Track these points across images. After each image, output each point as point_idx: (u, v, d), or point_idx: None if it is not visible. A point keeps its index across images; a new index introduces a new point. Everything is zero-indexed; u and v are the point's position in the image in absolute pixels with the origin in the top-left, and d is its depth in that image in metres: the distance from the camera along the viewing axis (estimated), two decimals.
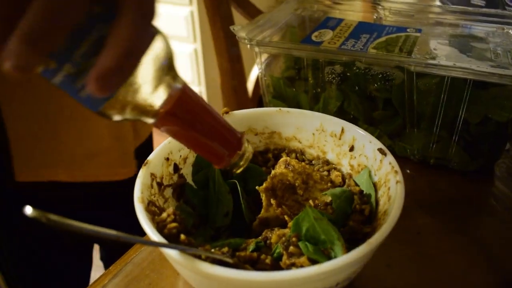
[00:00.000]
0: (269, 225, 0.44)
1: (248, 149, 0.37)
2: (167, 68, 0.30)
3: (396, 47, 0.56)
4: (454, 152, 0.56)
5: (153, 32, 0.28)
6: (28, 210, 0.24)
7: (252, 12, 0.88)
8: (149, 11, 0.26)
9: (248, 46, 0.57)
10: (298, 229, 0.37)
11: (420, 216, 0.52)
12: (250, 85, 0.95)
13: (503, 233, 0.49)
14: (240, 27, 0.59)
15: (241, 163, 0.37)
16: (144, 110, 0.30)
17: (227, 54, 0.84)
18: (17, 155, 0.58)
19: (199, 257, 0.33)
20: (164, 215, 0.36)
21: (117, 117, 0.30)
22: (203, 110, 0.33)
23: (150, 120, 0.31)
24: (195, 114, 0.32)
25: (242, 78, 0.90)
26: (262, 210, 0.43)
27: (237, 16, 0.94)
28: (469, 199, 0.54)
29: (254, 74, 0.98)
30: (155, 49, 0.29)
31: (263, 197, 0.43)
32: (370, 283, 0.43)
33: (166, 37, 0.29)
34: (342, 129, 0.47)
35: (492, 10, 0.64)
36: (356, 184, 0.45)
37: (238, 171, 0.38)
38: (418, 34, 0.61)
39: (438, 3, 1.09)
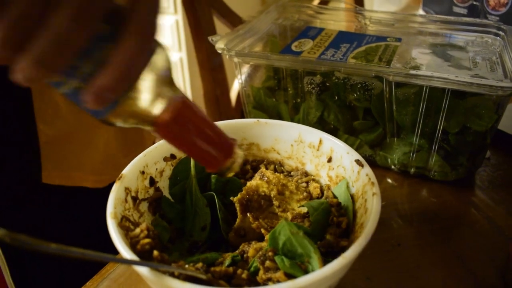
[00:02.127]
0: (246, 236, 0.43)
1: (239, 154, 0.38)
2: (167, 80, 0.32)
3: (375, 57, 0.56)
4: (434, 162, 0.56)
5: (154, 47, 0.30)
6: None
7: (234, 22, 0.88)
8: (150, 32, 0.28)
9: (227, 56, 0.57)
10: (274, 243, 0.36)
11: (400, 227, 0.52)
12: (233, 94, 0.94)
13: (482, 245, 0.49)
14: (219, 37, 0.59)
15: (233, 166, 0.38)
16: (144, 119, 0.32)
17: (209, 64, 0.83)
18: (47, 157, 0.57)
19: (172, 274, 0.32)
20: (137, 230, 0.35)
21: (119, 124, 0.32)
22: (200, 119, 0.34)
23: (150, 128, 0.33)
24: (192, 122, 0.34)
25: (225, 87, 0.90)
26: (237, 220, 0.42)
27: (219, 26, 0.94)
28: (449, 209, 0.54)
29: (237, 83, 0.97)
30: (155, 63, 0.30)
31: (238, 207, 0.42)
32: None
33: (166, 49, 0.31)
34: (320, 140, 0.46)
35: (473, 19, 0.65)
36: (334, 196, 0.44)
37: (230, 174, 0.39)
38: (398, 43, 0.61)
39: (421, 12, 1.10)
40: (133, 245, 0.35)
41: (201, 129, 0.35)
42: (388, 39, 0.62)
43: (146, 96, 0.31)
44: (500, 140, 0.64)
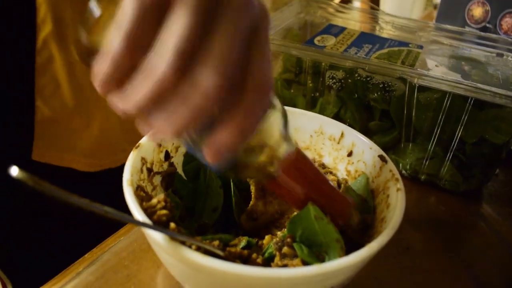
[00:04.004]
0: (258, 220, 0.42)
1: (356, 213, 0.38)
2: (282, 136, 0.33)
3: (398, 60, 0.56)
4: (447, 171, 0.55)
5: (270, 103, 0.31)
6: (14, 171, 0.22)
7: None
8: (267, 87, 0.27)
9: None
10: (294, 228, 0.35)
11: (409, 232, 0.51)
12: None
13: (491, 257, 0.48)
14: None
15: (351, 223, 0.37)
16: (259, 173, 0.33)
17: None
18: (40, 135, 0.55)
19: (188, 247, 0.31)
20: (155, 200, 0.34)
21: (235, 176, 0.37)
22: (313, 170, 0.35)
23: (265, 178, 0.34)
24: (306, 175, 0.35)
25: None
26: (251, 203, 0.41)
27: None
28: (458, 219, 0.54)
29: None
30: (271, 121, 0.31)
31: (253, 189, 0.41)
32: None
33: (282, 108, 0.32)
34: (342, 134, 0.46)
35: (492, 35, 0.65)
36: (352, 190, 0.43)
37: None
38: (419, 50, 0.61)
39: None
40: (148, 215, 0.34)
41: (314, 180, 0.35)
42: (410, 45, 0.62)
43: (262, 149, 0.32)
44: (510, 157, 0.64)
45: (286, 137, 0.33)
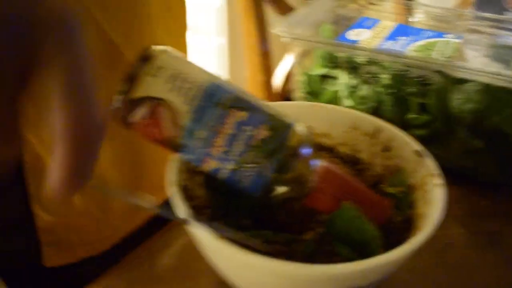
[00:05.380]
0: (296, 217, 0.43)
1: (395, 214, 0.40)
2: (309, 154, 0.35)
3: (435, 52, 0.55)
4: (488, 164, 0.54)
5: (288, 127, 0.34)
6: None
7: (284, 8, 0.87)
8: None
9: (286, 40, 0.57)
10: (332, 226, 0.36)
11: (449, 227, 0.51)
12: (276, 81, 0.94)
13: None
14: (277, 22, 0.58)
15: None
16: (294, 192, 0.36)
17: (257, 50, 0.83)
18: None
19: (233, 244, 0.32)
20: (199, 200, 0.35)
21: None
22: (344, 179, 0.38)
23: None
24: (338, 184, 0.37)
25: (270, 74, 0.89)
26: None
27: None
28: (500, 213, 0.53)
29: (281, 70, 0.97)
30: (292, 142, 0.33)
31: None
32: (395, 286, 0.42)
33: (303, 128, 0.35)
34: (378, 128, 0.46)
35: None
36: (389, 186, 0.44)
37: None
38: (457, 41, 0.60)
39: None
40: (193, 214, 0.35)
41: (348, 190, 0.37)
42: (447, 36, 0.61)
43: (292, 174, 0.34)
44: None
45: (313, 153, 0.35)
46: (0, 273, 0.48)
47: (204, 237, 0.31)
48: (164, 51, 0.33)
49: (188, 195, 0.39)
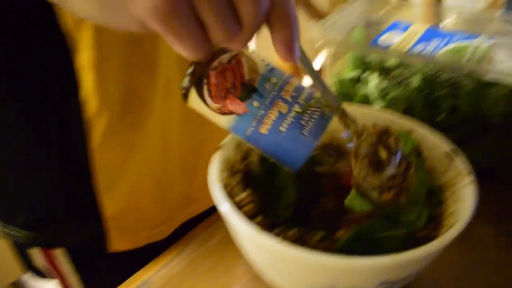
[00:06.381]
0: (329, 214, 0.45)
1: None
2: (347, 132, 0.40)
3: (466, 55, 0.56)
4: None
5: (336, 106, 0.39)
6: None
7: (315, 14, 0.89)
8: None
9: (321, 43, 0.59)
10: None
11: (480, 226, 0.51)
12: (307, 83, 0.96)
13: None
14: (311, 26, 0.60)
15: None
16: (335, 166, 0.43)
17: None
18: (112, 227, 0.55)
19: (275, 238, 0.35)
20: (243, 195, 0.38)
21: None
22: None
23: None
24: None
25: (300, 77, 0.91)
26: (323, 198, 0.44)
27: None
28: None
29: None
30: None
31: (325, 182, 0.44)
32: (425, 284, 0.44)
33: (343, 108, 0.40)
34: (411, 129, 0.47)
35: None
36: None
37: None
38: (488, 44, 0.60)
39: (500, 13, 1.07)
40: (236, 210, 0.38)
41: None
42: (478, 39, 0.62)
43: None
44: None
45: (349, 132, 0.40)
46: (71, 257, 0.56)
47: (247, 231, 0.34)
48: None
49: (228, 193, 0.41)
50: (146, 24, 0.28)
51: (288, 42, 0.31)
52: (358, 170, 0.39)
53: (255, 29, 0.30)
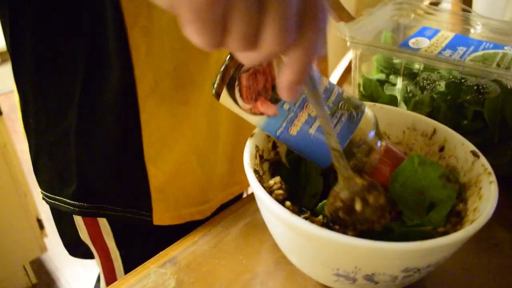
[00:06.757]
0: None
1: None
2: (375, 133, 0.43)
3: (493, 62, 0.57)
4: None
5: (362, 108, 0.42)
6: None
7: (344, 16, 0.91)
8: (323, 25, 0.29)
9: (352, 45, 0.61)
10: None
11: (499, 230, 0.53)
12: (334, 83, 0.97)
13: None
14: (339, 28, 0.62)
15: None
16: (361, 163, 0.43)
17: None
18: (157, 200, 0.57)
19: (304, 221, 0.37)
20: (272, 182, 0.40)
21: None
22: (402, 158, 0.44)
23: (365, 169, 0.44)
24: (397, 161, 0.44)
25: (326, 77, 0.93)
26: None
27: None
28: None
29: (336, 74, 1.00)
30: (365, 120, 0.41)
31: None
32: (444, 282, 0.45)
33: (371, 111, 0.43)
34: (434, 130, 0.49)
35: None
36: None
37: None
38: None
39: None
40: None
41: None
42: (506, 48, 0.63)
43: (362, 144, 0.42)
44: None
45: (377, 133, 0.42)
46: (111, 229, 0.58)
47: (280, 213, 0.36)
48: None
49: (259, 178, 0.44)
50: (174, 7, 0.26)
51: (292, 82, 0.29)
52: (329, 208, 0.41)
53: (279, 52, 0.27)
